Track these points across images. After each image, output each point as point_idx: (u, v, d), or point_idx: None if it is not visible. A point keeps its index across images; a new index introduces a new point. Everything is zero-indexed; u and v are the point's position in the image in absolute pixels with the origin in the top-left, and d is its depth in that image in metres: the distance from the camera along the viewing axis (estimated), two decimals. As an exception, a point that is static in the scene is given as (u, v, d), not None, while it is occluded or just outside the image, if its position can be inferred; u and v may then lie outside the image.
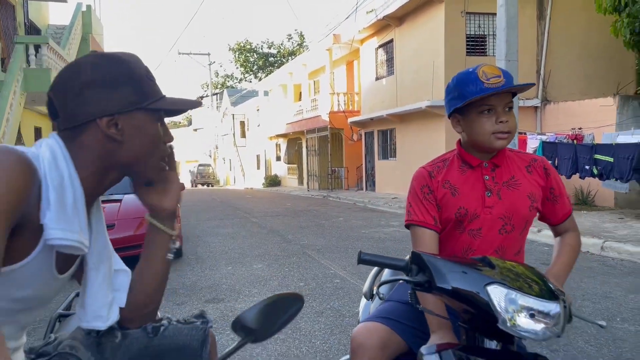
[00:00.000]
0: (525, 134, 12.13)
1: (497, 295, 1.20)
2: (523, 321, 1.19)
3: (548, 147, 11.28)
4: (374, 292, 1.41)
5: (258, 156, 35.72)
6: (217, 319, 4.52)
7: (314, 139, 23.99)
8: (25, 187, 0.93)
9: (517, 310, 1.19)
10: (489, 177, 1.68)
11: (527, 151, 11.68)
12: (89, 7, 18.25)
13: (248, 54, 48.99)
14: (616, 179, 9.63)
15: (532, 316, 1.19)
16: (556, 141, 11.37)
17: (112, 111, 1.05)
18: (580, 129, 11.92)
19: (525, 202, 1.67)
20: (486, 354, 1.26)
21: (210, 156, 46.70)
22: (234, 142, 39.41)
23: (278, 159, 31.55)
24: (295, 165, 28.49)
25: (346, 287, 5.40)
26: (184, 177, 48.71)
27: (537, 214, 1.75)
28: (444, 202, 1.68)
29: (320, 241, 8.48)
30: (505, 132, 1.60)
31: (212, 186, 40.55)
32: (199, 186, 40.11)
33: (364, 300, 2.12)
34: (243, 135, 39.31)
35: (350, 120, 20.16)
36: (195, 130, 51.19)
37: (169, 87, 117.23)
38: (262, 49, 49.21)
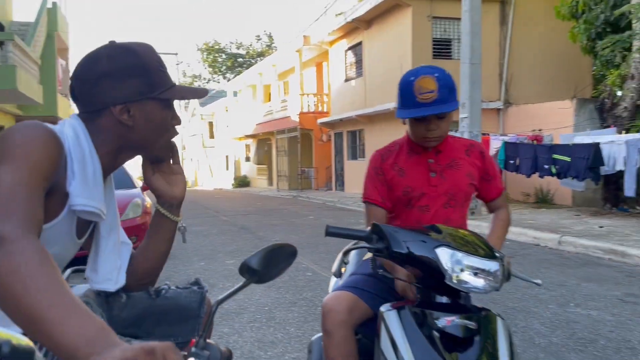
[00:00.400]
0: (488, 134, 12.57)
1: (444, 256, 1.42)
2: (467, 278, 1.41)
3: (510, 148, 11.74)
4: (341, 261, 1.61)
5: (227, 157, 35.60)
6: (192, 310, 4.63)
7: (283, 140, 24.13)
8: (57, 157, 1.08)
9: (462, 268, 1.41)
10: (433, 160, 1.93)
11: (490, 151, 12.15)
12: (54, 4, 17.94)
13: (216, 54, 48.73)
14: (573, 178, 10.12)
15: (475, 274, 1.41)
16: (517, 142, 11.83)
17: (125, 100, 1.19)
18: (540, 130, 12.44)
19: (465, 180, 1.93)
20: (437, 307, 1.47)
21: (178, 157, 46.27)
22: (203, 143, 39.15)
23: (247, 159, 31.55)
24: (265, 166, 28.56)
25: (318, 280, 5.58)
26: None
27: (475, 192, 2.02)
28: (394, 182, 1.93)
29: (292, 238, 8.65)
30: (434, 137, 1.85)
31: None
32: (167, 187, 39.64)
33: (333, 279, 2.31)
34: (212, 136, 39.10)
35: (319, 121, 20.39)
36: (163, 130, 50.56)
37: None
38: (230, 49, 49.03)
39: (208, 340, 0.91)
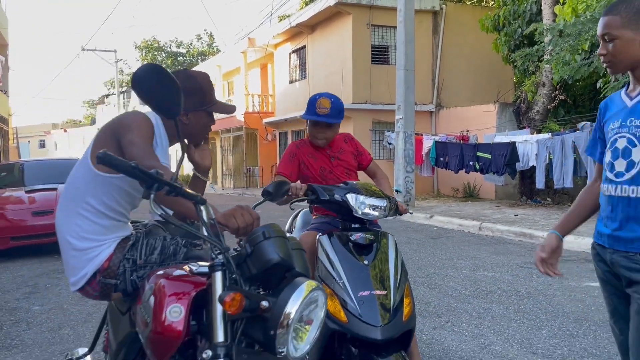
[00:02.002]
0: (421, 134, 13.76)
1: (352, 198, 2.31)
2: (368, 211, 2.32)
3: (439, 146, 12.98)
4: (291, 222, 2.51)
5: (176, 152, 35.50)
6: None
7: (228, 139, 24.62)
8: (153, 131, 1.85)
9: (364, 205, 2.31)
10: (329, 151, 2.91)
11: (422, 149, 13.34)
12: (-6, -1, 17.68)
13: (156, 53, 48.15)
14: (493, 173, 11.43)
15: (373, 208, 2.29)
16: (446, 141, 13.09)
17: (187, 109, 1.95)
18: (467, 131, 13.75)
19: (351, 157, 2.95)
20: (353, 230, 2.34)
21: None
22: (144, 142, 38.79)
23: (191, 158, 31.64)
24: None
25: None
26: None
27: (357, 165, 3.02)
28: (310, 164, 2.87)
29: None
30: (321, 138, 2.83)
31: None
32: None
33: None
34: (153, 134, 38.76)
35: (264, 120, 21.08)
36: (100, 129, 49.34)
37: (69, 84, 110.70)
38: (170, 47, 48.62)
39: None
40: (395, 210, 2.48)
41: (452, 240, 7.75)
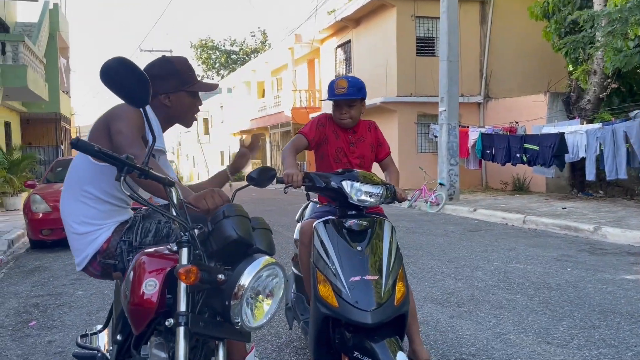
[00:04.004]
0: (467, 127, 13.50)
1: (347, 185, 2.35)
2: (364, 197, 2.35)
3: (486, 138, 12.70)
4: (301, 212, 2.59)
5: (222, 152, 36.43)
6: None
7: (277, 134, 25.00)
8: (142, 119, 1.99)
9: (360, 193, 2.34)
10: (351, 136, 2.91)
11: (468, 142, 13.10)
12: (56, 5, 18.74)
13: (210, 52, 49.42)
14: (541, 165, 11.08)
15: (369, 195, 2.33)
16: (493, 133, 12.79)
17: (166, 91, 2.09)
18: (516, 122, 13.38)
19: (369, 148, 2.94)
20: (350, 217, 2.37)
21: (174, 153, 47.06)
22: (198, 139, 39.91)
23: (242, 154, 32.30)
24: (259, 160, 29.42)
25: (305, 249, 6.51)
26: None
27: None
28: (331, 141, 2.89)
29: (284, 220, 9.56)
30: (345, 119, 2.85)
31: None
32: (163, 182, 40.29)
33: (297, 225, 3.23)
34: (207, 131, 39.88)
35: (311, 115, 21.27)
36: (158, 127, 51.17)
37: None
38: (224, 46, 49.74)
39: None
40: (393, 197, 2.51)
41: (491, 233, 7.61)
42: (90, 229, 1.99)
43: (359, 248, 2.25)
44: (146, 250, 1.70)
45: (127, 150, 1.78)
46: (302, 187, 2.47)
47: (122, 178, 1.41)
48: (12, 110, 16.46)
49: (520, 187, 13.91)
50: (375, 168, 2.91)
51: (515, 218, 8.95)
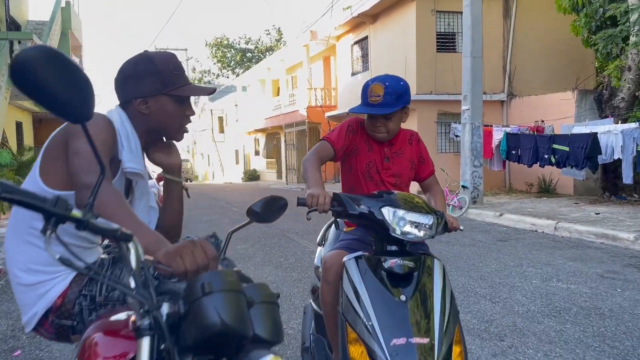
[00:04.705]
0: (491, 126, 12.88)
1: (388, 213, 1.83)
2: (409, 229, 1.83)
3: (511, 138, 12.07)
4: (324, 233, 2.07)
5: (237, 151, 36.09)
6: (207, 287, 5.08)
7: (292, 134, 24.53)
8: (113, 135, 1.51)
9: (403, 222, 1.82)
10: (387, 149, 2.37)
11: (492, 142, 12.48)
12: (68, 3, 18.46)
13: (225, 50, 49.13)
14: (572, 167, 10.44)
15: (416, 226, 1.81)
16: (518, 133, 12.15)
17: (142, 95, 1.61)
18: (542, 121, 12.73)
19: (408, 164, 2.40)
20: (388, 254, 1.86)
21: (189, 152, 46.88)
22: (213, 138, 39.67)
23: (257, 153, 32.00)
24: (274, 160, 29.00)
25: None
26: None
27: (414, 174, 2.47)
28: (362, 153, 2.35)
29: (299, 226, 9.08)
30: (381, 133, 2.30)
31: (191, 181, 40.75)
32: (178, 181, 40.11)
33: (318, 249, 2.72)
34: (221, 130, 39.59)
35: (327, 114, 20.75)
36: (173, 125, 51.08)
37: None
38: (239, 44, 49.41)
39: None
40: (444, 227, 2.00)
41: (523, 243, 7.04)
42: (41, 279, 1.51)
43: (403, 298, 1.75)
44: (104, 320, 1.22)
45: (82, 178, 1.30)
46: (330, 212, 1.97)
47: (48, 232, 0.92)
48: (23, 110, 16.19)
49: (546, 189, 13.25)
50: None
51: (545, 224, 8.36)
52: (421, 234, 1.84)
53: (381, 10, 16.35)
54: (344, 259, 1.97)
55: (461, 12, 12.08)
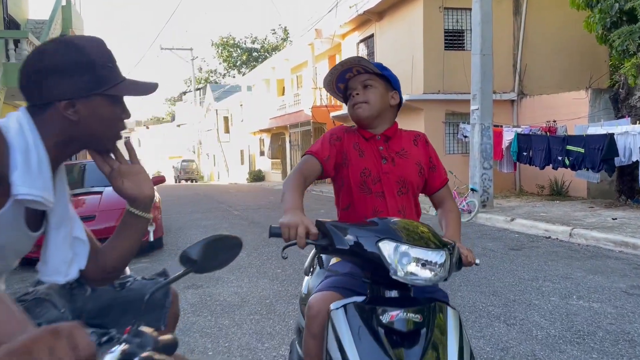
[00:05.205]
0: (501, 126, 12.43)
1: (387, 249, 1.40)
2: (414, 269, 1.39)
3: (522, 139, 11.60)
4: (311, 260, 1.63)
5: (242, 151, 35.75)
6: (196, 302, 4.69)
7: (297, 134, 24.14)
8: (5, 145, 1.10)
9: (407, 260, 1.39)
10: (382, 147, 1.95)
11: (502, 143, 12.01)
12: (69, 1, 18.16)
13: (231, 49, 48.86)
14: (587, 169, 9.97)
15: (423, 265, 1.39)
16: (530, 133, 11.69)
17: (70, 96, 1.20)
18: (554, 121, 12.25)
19: (415, 168, 1.96)
20: (387, 302, 1.44)
21: (194, 152, 46.60)
22: (218, 138, 39.37)
23: (262, 154, 31.63)
24: (279, 160, 28.61)
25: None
26: (168, 173, 48.53)
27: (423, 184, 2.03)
28: (353, 161, 1.94)
29: (300, 231, 8.68)
30: (360, 102, 1.92)
31: (196, 182, 40.45)
32: (183, 182, 39.95)
33: (305, 278, 2.28)
34: (227, 130, 39.28)
35: (332, 114, 20.33)
36: (179, 125, 50.98)
37: (155, 80, 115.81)
38: (245, 44, 49.12)
39: (142, 328, 0.92)
40: (459, 264, 1.58)
41: (537, 252, 6.59)
42: None
43: None
44: None
45: None
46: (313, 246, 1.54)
47: None
48: (23, 111, 15.94)
49: (558, 192, 12.77)
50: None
51: (560, 230, 7.90)
52: (430, 275, 1.41)
53: (387, 7, 15.93)
54: (331, 307, 1.55)
55: (470, 9, 11.64)
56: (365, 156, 1.93)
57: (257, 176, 30.80)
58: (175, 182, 40.32)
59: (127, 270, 1.65)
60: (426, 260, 1.40)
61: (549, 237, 7.80)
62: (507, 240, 7.59)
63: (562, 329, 3.70)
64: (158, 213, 7.45)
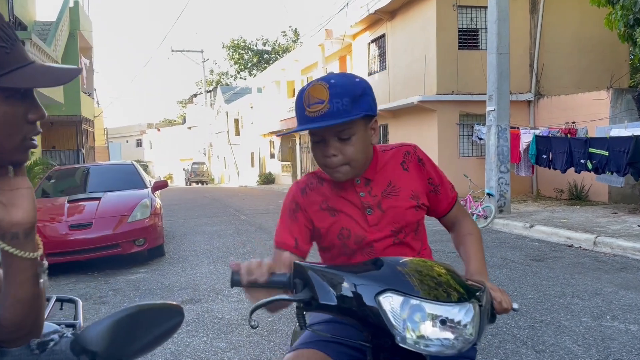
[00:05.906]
0: (518, 128, 11.97)
1: (392, 305, 1.00)
2: (430, 331, 0.98)
3: (541, 142, 11.14)
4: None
5: (252, 154, 35.49)
6: (191, 320, 4.33)
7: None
8: None
9: (421, 317, 0.99)
10: (364, 193, 1.48)
11: (519, 145, 11.53)
12: (76, 3, 18.02)
13: (242, 51, 48.75)
14: (612, 173, 9.48)
15: (442, 323, 0.99)
16: (549, 135, 11.21)
17: None
18: (573, 122, 11.79)
19: (410, 204, 1.48)
20: None
21: (205, 154, 46.46)
22: (228, 140, 39.18)
23: (272, 156, 31.34)
24: (289, 163, 28.28)
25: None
26: (178, 176, 48.47)
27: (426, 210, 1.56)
28: (325, 225, 1.48)
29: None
30: (335, 165, 1.38)
31: (207, 184, 40.31)
32: (194, 184, 39.83)
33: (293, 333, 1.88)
34: (237, 132, 39.07)
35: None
36: (190, 128, 50.94)
37: (163, 84, 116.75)
38: (256, 45, 48.98)
39: None
40: (491, 315, 1.17)
41: (562, 263, 6.14)
42: None
43: None
44: None
45: None
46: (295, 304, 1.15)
47: None
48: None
49: (577, 196, 12.26)
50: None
51: (583, 239, 7.44)
52: (452, 339, 1.00)
53: (399, 6, 15.51)
54: None
55: (485, 7, 11.20)
56: (340, 213, 1.47)
57: (267, 179, 30.50)
58: (186, 184, 40.20)
59: (52, 325, 1.27)
60: (445, 318, 1.00)
61: (572, 246, 7.34)
62: (528, 249, 7.14)
63: (599, 357, 3.27)
64: (159, 220, 7.12)
